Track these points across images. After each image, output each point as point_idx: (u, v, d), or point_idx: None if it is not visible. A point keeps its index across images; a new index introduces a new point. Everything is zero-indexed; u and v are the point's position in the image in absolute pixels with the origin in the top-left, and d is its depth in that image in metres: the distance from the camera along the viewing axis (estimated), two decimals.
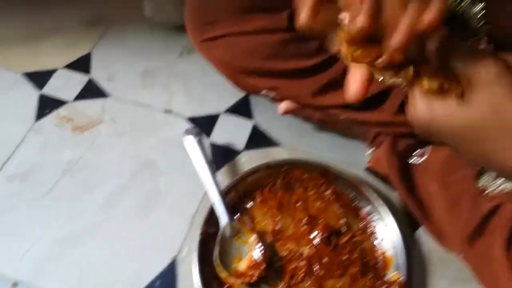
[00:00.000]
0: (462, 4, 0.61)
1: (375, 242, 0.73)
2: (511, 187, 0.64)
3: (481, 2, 0.59)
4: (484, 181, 0.67)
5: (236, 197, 0.76)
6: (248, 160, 0.84)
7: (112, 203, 0.78)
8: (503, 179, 0.65)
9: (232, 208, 0.74)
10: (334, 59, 0.72)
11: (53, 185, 0.79)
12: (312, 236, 0.72)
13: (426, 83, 0.41)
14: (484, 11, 0.60)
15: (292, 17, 0.72)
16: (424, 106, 0.41)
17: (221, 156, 0.85)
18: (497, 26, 0.62)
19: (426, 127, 0.42)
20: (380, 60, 0.41)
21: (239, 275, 0.67)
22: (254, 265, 0.67)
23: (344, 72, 0.71)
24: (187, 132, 0.80)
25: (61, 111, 0.89)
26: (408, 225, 0.77)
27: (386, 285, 0.68)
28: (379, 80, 0.44)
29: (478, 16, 0.61)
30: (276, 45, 0.74)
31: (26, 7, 1.07)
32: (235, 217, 0.73)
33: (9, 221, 0.75)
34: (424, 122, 0.42)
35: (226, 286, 0.67)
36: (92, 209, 0.77)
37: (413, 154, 0.79)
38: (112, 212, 0.77)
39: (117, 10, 1.08)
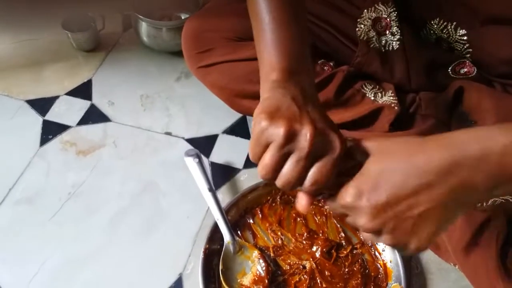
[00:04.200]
0: (448, 28, 0.64)
1: (375, 254, 0.74)
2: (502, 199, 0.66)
3: (463, 29, 0.63)
4: None
5: (237, 214, 0.78)
6: (247, 178, 0.87)
7: (116, 224, 0.79)
8: None
9: (234, 225, 0.76)
10: (326, 80, 0.75)
11: (58, 209, 0.81)
12: (313, 250, 0.74)
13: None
14: (466, 37, 0.63)
15: None
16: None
17: (221, 175, 0.87)
18: (480, 50, 0.65)
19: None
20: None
21: None
22: (258, 279, 0.69)
23: (336, 93, 0.74)
24: (187, 153, 0.82)
25: (64, 136, 0.91)
26: None
27: None
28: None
29: (462, 41, 0.64)
30: None
31: (27, 35, 1.10)
32: (237, 234, 0.75)
33: (17, 245, 0.76)
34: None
35: None
36: (97, 230, 0.79)
37: None
38: (116, 233, 0.78)
39: (115, 37, 1.12)
